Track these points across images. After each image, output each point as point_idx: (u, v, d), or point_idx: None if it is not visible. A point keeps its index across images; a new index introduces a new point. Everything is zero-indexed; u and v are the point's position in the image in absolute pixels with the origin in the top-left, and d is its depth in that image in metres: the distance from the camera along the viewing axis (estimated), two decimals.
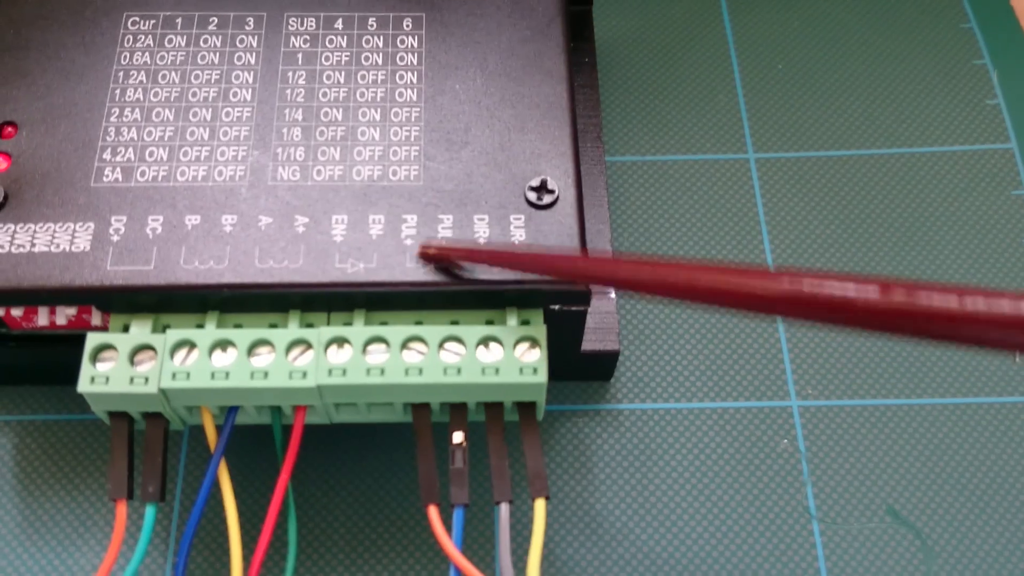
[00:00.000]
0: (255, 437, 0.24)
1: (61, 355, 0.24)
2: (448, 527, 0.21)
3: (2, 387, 0.26)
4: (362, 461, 0.25)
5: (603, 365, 0.26)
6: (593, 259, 0.20)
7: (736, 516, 0.25)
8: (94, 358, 0.22)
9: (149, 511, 0.22)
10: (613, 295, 0.26)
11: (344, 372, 0.21)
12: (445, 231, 0.23)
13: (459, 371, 0.21)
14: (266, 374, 0.21)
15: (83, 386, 0.21)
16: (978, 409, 0.26)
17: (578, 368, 0.26)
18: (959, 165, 0.30)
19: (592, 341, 0.25)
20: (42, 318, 0.23)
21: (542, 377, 0.21)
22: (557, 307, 0.23)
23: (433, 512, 0.21)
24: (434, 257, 0.22)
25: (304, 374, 0.21)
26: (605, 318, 0.25)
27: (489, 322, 0.23)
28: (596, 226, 0.27)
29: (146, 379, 0.21)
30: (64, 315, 0.23)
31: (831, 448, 0.26)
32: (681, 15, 0.32)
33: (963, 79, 0.31)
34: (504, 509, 0.21)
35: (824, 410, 0.26)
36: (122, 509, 0.21)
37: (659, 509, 0.25)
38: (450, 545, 0.21)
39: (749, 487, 0.25)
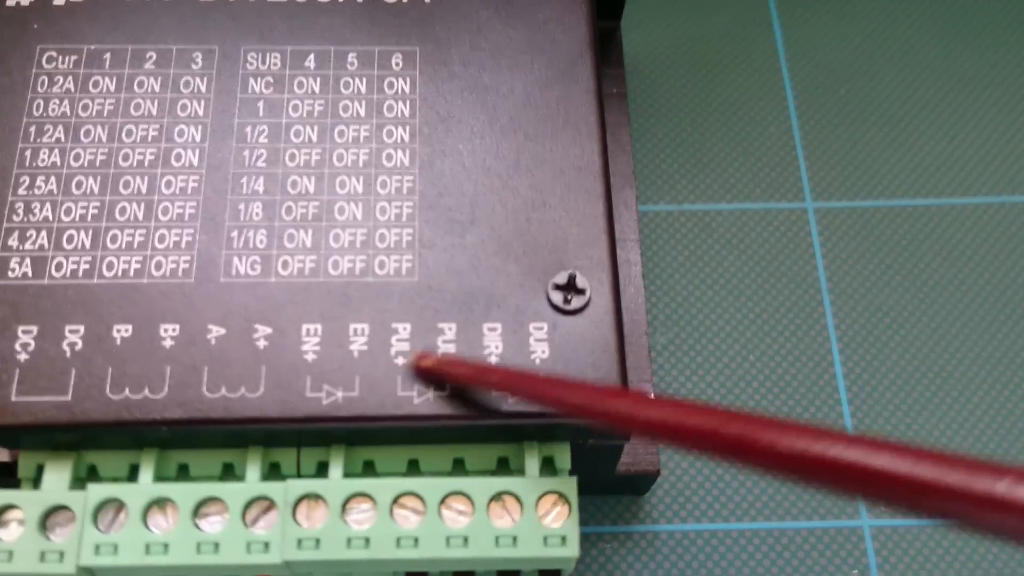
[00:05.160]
0: None
1: None
2: None
3: None
4: None
5: (638, 482, 0.21)
6: (662, 404, 0.14)
7: None
8: None
9: None
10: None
11: (318, 544, 0.17)
12: (447, 345, 0.18)
13: (466, 541, 0.17)
14: (217, 546, 0.17)
15: None
16: None
17: (608, 484, 0.21)
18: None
19: (627, 461, 0.21)
20: None
21: (572, 549, 0.17)
22: (591, 441, 0.18)
23: None
24: (428, 372, 0.17)
25: (266, 546, 0.17)
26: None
27: (503, 459, 0.18)
28: (627, 289, 0.22)
29: (61, 554, 0.16)
30: None
31: None
32: (723, 28, 0.27)
33: None
34: None
35: (901, 531, 0.22)
36: None
37: None
38: None
39: None
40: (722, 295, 0.24)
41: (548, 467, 0.18)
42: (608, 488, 0.22)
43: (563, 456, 0.18)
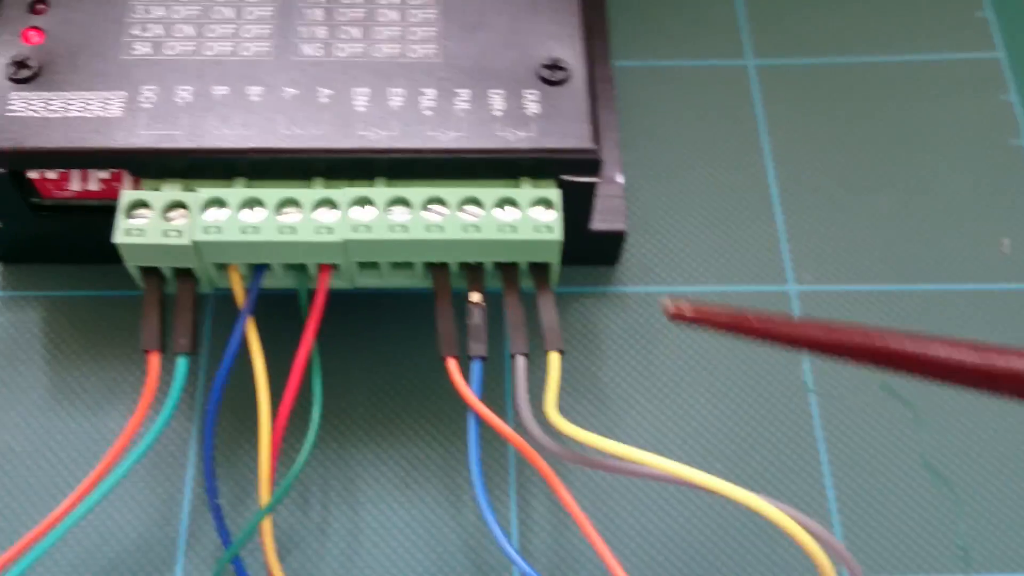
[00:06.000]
0: (281, 306, 0.24)
1: (92, 227, 0.24)
2: (467, 380, 0.22)
3: (32, 263, 0.27)
4: (383, 325, 0.26)
5: (610, 247, 0.27)
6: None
7: (736, 389, 0.26)
8: (128, 213, 0.22)
9: (180, 363, 0.22)
10: (620, 179, 0.27)
11: (368, 228, 0.22)
12: (462, 103, 0.24)
13: (478, 228, 0.22)
14: (294, 229, 0.22)
15: (118, 237, 0.22)
16: (973, 296, 0.27)
17: (586, 250, 0.27)
18: (950, 72, 0.31)
19: (600, 221, 0.26)
20: (74, 184, 0.24)
21: (557, 235, 0.23)
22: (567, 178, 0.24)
23: (452, 364, 0.22)
24: (688, 319, 0.19)
25: (330, 229, 0.22)
26: (613, 200, 0.27)
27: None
28: (606, 133, 0.28)
29: (180, 232, 0.22)
30: (96, 181, 0.24)
31: None
32: None
33: None
34: (521, 360, 0.22)
35: (823, 295, 0.27)
36: (155, 360, 0.22)
37: (663, 382, 0.26)
38: (469, 393, 0.22)
39: (748, 363, 0.26)
40: (680, 132, 0.30)
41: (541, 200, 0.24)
42: (586, 256, 0.27)
43: (551, 190, 0.24)
